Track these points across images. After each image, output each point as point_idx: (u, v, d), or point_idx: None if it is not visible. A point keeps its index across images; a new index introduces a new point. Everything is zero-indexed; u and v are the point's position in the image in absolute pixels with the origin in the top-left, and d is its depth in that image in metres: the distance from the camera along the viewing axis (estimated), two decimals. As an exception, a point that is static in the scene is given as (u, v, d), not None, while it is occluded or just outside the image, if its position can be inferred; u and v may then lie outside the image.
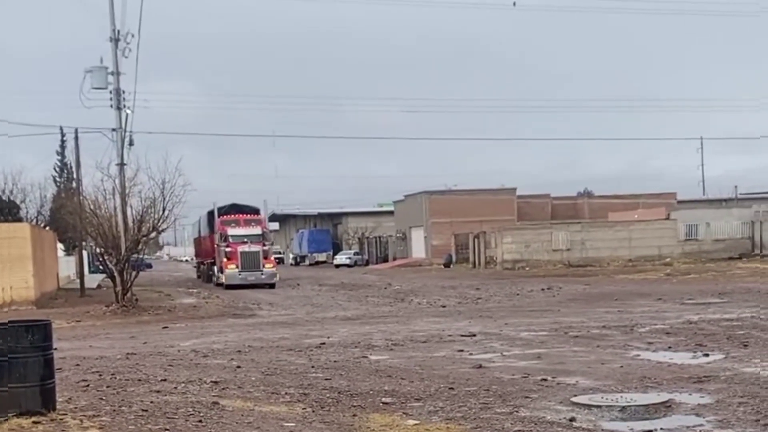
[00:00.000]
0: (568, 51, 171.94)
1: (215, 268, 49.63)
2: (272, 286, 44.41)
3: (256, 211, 51.59)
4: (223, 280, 45.38)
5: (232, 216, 48.44)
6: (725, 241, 58.00)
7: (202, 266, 60.40)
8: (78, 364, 14.44)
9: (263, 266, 45.54)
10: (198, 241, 63.54)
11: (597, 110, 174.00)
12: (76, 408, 10.00)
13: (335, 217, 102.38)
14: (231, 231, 46.46)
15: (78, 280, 43.75)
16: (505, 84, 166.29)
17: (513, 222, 68.91)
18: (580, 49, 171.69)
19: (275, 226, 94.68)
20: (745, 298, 26.00)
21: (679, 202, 76.36)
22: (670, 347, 15.40)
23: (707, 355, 14.17)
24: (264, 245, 46.71)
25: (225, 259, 45.68)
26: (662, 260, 54.60)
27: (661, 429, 9.01)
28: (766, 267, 44.34)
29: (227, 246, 46.00)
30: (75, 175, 42.82)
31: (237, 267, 44.92)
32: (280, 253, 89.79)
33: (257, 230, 47.24)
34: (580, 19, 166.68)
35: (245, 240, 45.81)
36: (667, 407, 10.03)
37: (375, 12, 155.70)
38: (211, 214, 51.72)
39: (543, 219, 72.17)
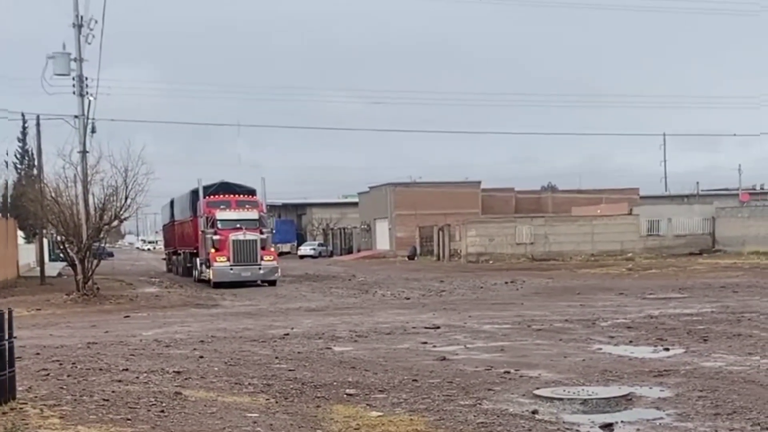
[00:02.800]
0: (534, 46, 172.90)
1: (197, 260, 40.52)
2: (273, 283, 36.48)
3: (252, 192, 41.58)
4: (210, 276, 36.67)
5: (222, 196, 39.08)
6: (686, 237, 58.73)
7: (176, 257, 51.12)
8: (38, 353, 14.30)
9: (261, 259, 36.66)
10: (171, 228, 52.73)
11: (562, 105, 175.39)
12: (36, 397, 9.90)
13: (300, 208, 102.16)
14: (220, 215, 37.45)
15: (38, 268, 43.27)
16: (471, 78, 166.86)
17: (477, 215, 69.26)
18: (546, 44, 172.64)
19: None
20: (705, 294, 26.31)
21: (642, 197, 77.16)
22: (631, 341, 15.55)
23: (668, 349, 14.33)
24: (262, 233, 37.68)
25: (212, 250, 36.64)
26: (624, 255, 55.13)
27: (622, 422, 9.10)
28: (726, 263, 44.94)
29: (215, 233, 36.90)
30: (36, 162, 42.30)
31: (228, 260, 36.20)
32: None
33: (253, 214, 38.11)
34: (546, 13, 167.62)
35: (238, 226, 36.98)
36: (628, 401, 10.13)
37: (341, 3, 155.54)
38: (194, 193, 41.47)
39: (507, 213, 72.60)
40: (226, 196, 39.12)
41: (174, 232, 50.96)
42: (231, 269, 36.06)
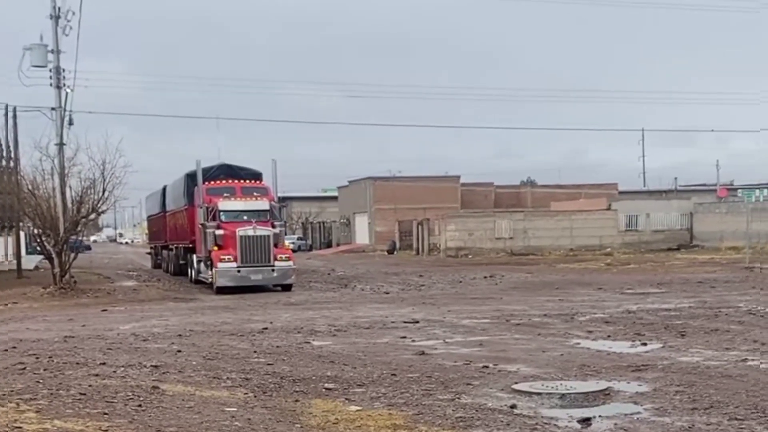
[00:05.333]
0: (514, 40, 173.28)
1: (194, 258, 34.63)
2: (288, 287, 30.26)
3: (257, 176, 35.19)
4: (213, 280, 30.34)
5: (225, 182, 32.87)
6: (664, 232, 59.03)
7: (166, 252, 44.47)
8: (15, 347, 14.21)
9: (275, 258, 30.27)
10: (161, 219, 45.68)
11: (541, 100, 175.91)
12: (12, 391, 9.82)
13: (279, 201, 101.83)
14: (224, 204, 31.06)
15: (15, 261, 42.89)
16: (451, 72, 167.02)
17: (456, 210, 69.33)
18: (526, 38, 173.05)
19: None
20: (682, 289, 26.47)
21: (620, 192, 77.51)
22: (609, 336, 15.62)
23: (645, 344, 14.40)
24: (274, 226, 31.24)
25: (215, 247, 30.37)
26: (603, 250, 55.34)
27: (600, 416, 9.12)
28: (704, 258, 45.22)
29: (218, 227, 30.57)
30: (12, 154, 41.89)
31: (234, 260, 29.86)
32: None
33: (263, 204, 31.68)
34: (526, 7, 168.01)
35: (246, 218, 30.78)
36: (605, 395, 10.16)
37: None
38: (190, 178, 35.06)
39: (486, 207, 72.76)
40: (229, 181, 33.09)
41: (165, 224, 44.19)
42: (238, 271, 29.80)
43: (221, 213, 30.88)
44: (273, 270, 30.13)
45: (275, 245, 30.60)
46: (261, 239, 30.13)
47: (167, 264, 43.82)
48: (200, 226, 31.86)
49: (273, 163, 34.38)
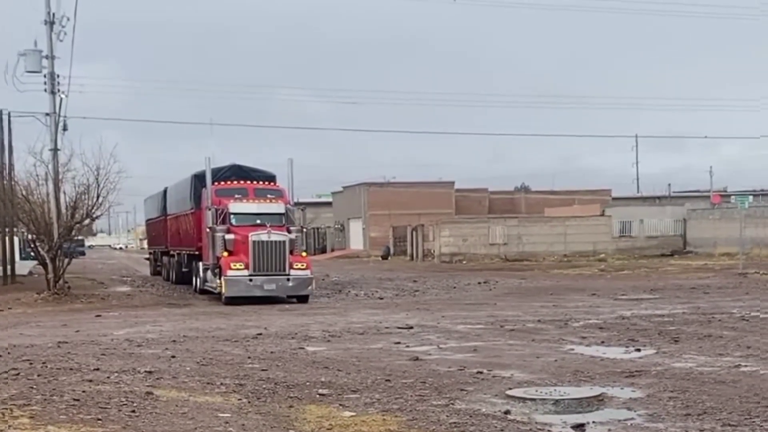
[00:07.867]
0: (507, 46, 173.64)
1: (200, 266, 31.34)
2: (304, 299, 27.57)
3: (271, 178, 32.21)
4: (222, 289, 27.58)
5: (236, 183, 30.34)
6: (658, 238, 59.17)
7: (168, 259, 41.15)
8: (9, 352, 14.17)
9: (290, 267, 27.61)
10: (161, 223, 42.49)
11: (535, 106, 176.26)
12: (6, 397, 9.81)
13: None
14: (235, 207, 28.63)
15: (9, 267, 42.76)
16: (444, 77, 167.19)
17: (451, 215, 69.40)
18: (518, 44, 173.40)
19: None
20: (676, 295, 26.52)
21: (614, 198, 77.58)
22: (603, 342, 15.64)
23: (639, 350, 14.43)
24: (290, 231, 28.54)
25: (224, 254, 27.67)
26: (596, 256, 55.42)
27: (594, 422, 9.14)
28: (697, 264, 45.30)
29: (228, 231, 28.06)
30: (7, 160, 41.79)
31: (246, 267, 27.24)
32: None
33: (277, 206, 29.23)
34: (518, 14, 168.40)
35: (259, 222, 28.14)
36: (599, 401, 10.18)
37: (313, 1, 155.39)
38: (198, 179, 32.01)
39: (480, 213, 72.79)
40: (241, 182, 30.52)
41: (165, 228, 41.22)
42: (250, 280, 27.21)
43: (232, 216, 28.52)
44: (288, 279, 27.52)
45: (291, 252, 27.91)
46: (276, 245, 27.53)
47: (168, 271, 41.11)
48: (208, 229, 29.09)
49: (289, 163, 30.86)
